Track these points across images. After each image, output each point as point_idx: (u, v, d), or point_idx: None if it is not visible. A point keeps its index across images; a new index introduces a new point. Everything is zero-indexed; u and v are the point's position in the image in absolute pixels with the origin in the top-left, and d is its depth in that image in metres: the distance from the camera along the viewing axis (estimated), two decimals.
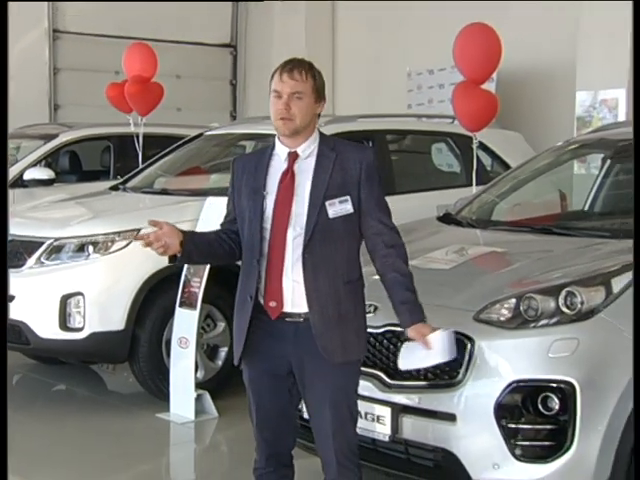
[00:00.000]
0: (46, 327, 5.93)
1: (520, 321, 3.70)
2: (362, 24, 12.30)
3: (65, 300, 5.87)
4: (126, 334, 5.90)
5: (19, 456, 5.14)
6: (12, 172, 8.77)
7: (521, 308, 3.72)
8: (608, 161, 5.70)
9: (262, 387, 3.36)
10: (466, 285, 4.07)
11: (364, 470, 3.99)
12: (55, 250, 6.05)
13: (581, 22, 9.30)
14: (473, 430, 3.63)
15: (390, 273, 3.30)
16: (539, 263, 4.19)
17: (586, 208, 5.62)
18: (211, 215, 5.75)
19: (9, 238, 6.34)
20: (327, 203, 3.22)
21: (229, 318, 6.08)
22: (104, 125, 9.48)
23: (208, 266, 5.60)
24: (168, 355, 5.90)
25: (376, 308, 3.78)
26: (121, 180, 7.64)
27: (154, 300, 5.97)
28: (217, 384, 6.04)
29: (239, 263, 3.42)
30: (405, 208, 6.48)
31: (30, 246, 6.14)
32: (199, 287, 5.65)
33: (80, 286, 5.88)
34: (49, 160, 9.06)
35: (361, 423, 3.80)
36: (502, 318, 3.73)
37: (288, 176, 3.26)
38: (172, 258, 3.27)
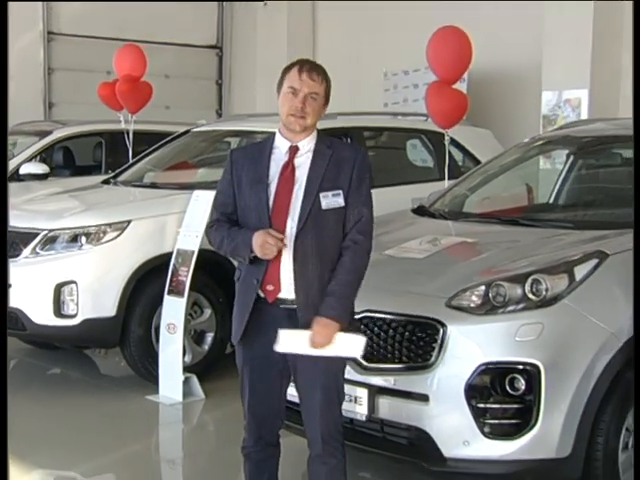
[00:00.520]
0: (41, 314, 5.91)
1: (489, 307, 3.72)
2: (341, 27, 12.30)
3: (59, 288, 5.86)
4: (117, 320, 5.89)
5: (16, 437, 5.09)
6: (9, 167, 8.74)
7: (490, 295, 3.73)
8: (572, 157, 5.72)
9: (256, 370, 3.35)
10: (439, 273, 4.08)
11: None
12: (50, 241, 6.02)
13: (546, 26, 9.33)
14: (445, 410, 3.65)
15: (340, 263, 3.25)
16: (507, 252, 4.21)
17: (551, 201, 5.64)
18: (198, 207, 5.75)
19: None
20: (321, 195, 3.23)
21: (215, 305, 6.10)
22: (96, 122, 9.44)
23: (195, 256, 5.60)
24: (157, 340, 5.89)
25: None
26: (112, 174, 7.61)
27: (144, 288, 5.95)
28: (204, 368, 6.03)
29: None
30: (381, 201, 6.46)
31: (26, 237, 6.11)
32: (186, 276, 5.64)
33: (73, 275, 5.86)
34: (44, 155, 9.02)
35: None
36: (472, 304, 3.74)
37: (289, 168, 3.27)
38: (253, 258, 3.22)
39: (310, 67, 3.26)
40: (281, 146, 3.32)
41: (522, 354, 3.59)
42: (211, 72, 14.02)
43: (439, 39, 6.42)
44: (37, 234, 6.07)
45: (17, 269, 6.05)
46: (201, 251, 5.59)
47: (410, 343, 3.75)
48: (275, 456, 3.49)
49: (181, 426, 5.57)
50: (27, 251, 6.06)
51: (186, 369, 5.77)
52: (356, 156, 3.34)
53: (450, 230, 4.82)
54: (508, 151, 5.88)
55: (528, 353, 3.58)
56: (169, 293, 5.74)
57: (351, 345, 3.28)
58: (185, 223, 5.79)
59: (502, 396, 3.60)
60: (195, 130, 7.70)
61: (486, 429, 3.59)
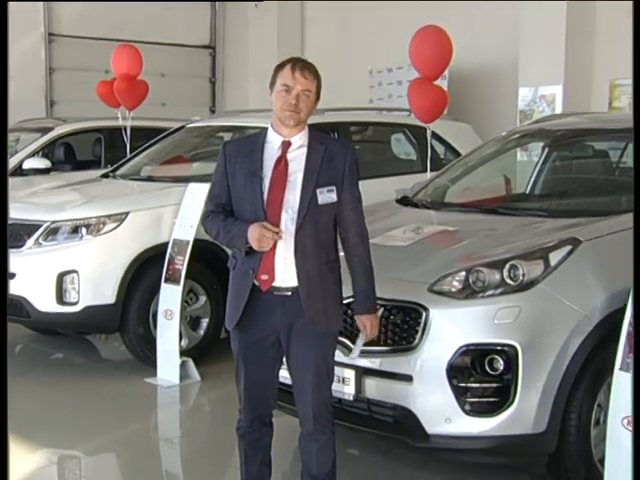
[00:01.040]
0: (44, 301, 5.89)
1: (469, 292, 3.72)
2: (329, 27, 12.28)
3: (61, 277, 5.84)
4: (117, 307, 5.88)
5: (21, 418, 5.11)
6: (12, 162, 8.69)
7: (470, 280, 3.73)
8: (547, 149, 5.72)
9: (251, 355, 3.33)
10: (421, 260, 4.09)
11: None
12: (52, 232, 6.00)
13: (523, 27, 9.35)
14: (428, 389, 3.65)
15: (356, 262, 3.34)
16: (486, 240, 4.20)
17: (527, 191, 5.64)
18: (193, 199, 5.75)
19: (10, 222, 6.30)
20: (318, 191, 3.20)
21: (210, 292, 6.09)
22: (95, 119, 9.40)
23: (190, 245, 5.59)
24: (155, 326, 5.89)
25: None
26: (111, 168, 7.59)
27: (142, 276, 5.94)
28: (199, 352, 6.03)
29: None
30: (367, 192, 6.45)
31: (29, 228, 6.10)
32: (182, 264, 5.63)
33: (75, 264, 5.85)
34: (46, 151, 8.98)
35: None
36: (453, 289, 3.75)
37: (282, 163, 3.23)
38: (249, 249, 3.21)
39: (303, 65, 3.24)
40: (273, 141, 3.28)
41: (500, 336, 3.60)
42: (205, 71, 14.00)
43: (421, 38, 6.42)
44: (40, 225, 6.05)
45: (21, 259, 6.04)
46: (196, 241, 5.59)
47: (395, 326, 3.75)
48: (268, 435, 3.50)
49: (178, 407, 5.57)
50: (30, 242, 6.04)
51: (183, 353, 5.77)
52: (347, 152, 3.33)
53: (432, 219, 4.82)
54: (487, 144, 5.88)
55: (506, 335, 3.59)
56: (166, 281, 5.73)
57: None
58: (181, 214, 5.78)
59: (482, 376, 3.61)
60: (189, 126, 7.68)
61: (467, 407, 3.60)
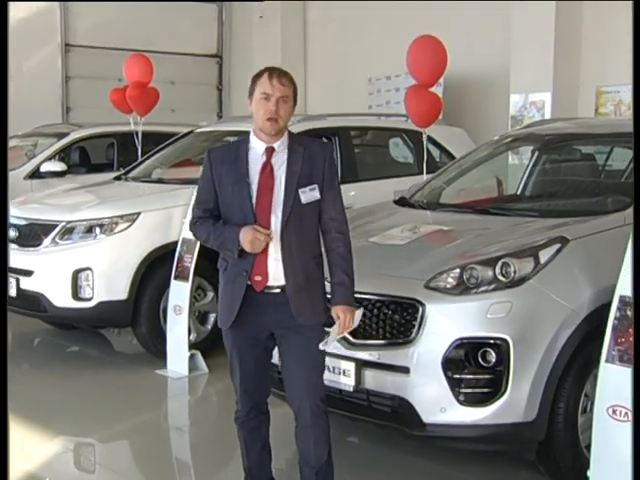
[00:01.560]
0: (61, 297, 5.90)
1: (463, 288, 3.72)
2: (329, 37, 12.26)
3: (76, 274, 5.85)
4: (129, 303, 5.88)
5: (39, 406, 5.13)
6: (30, 165, 8.74)
7: (464, 277, 3.73)
8: (536, 153, 5.72)
9: (245, 350, 3.32)
10: (418, 258, 4.08)
11: (332, 416, 4.01)
12: (67, 231, 6.01)
13: (514, 37, 9.36)
14: (424, 380, 3.65)
15: (335, 256, 3.30)
16: (479, 239, 4.20)
17: (518, 192, 5.64)
18: None
19: (28, 222, 6.32)
20: (300, 191, 3.19)
21: (217, 288, 6.07)
22: (108, 124, 9.43)
23: (198, 245, 5.58)
24: (165, 321, 5.89)
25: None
26: (123, 171, 7.59)
27: (152, 274, 5.94)
28: (207, 345, 6.03)
29: None
30: (367, 193, 6.51)
31: (46, 228, 6.11)
32: (191, 262, 5.63)
33: (89, 262, 5.85)
34: (62, 155, 9.00)
35: (330, 376, 3.82)
36: (448, 285, 3.74)
37: (267, 168, 3.21)
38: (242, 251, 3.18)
39: (279, 73, 3.22)
40: (257, 147, 3.25)
41: (493, 330, 3.59)
42: (212, 78, 14.00)
43: (418, 47, 6.41)
44: (56, 225, 6.05)
45: (39, 257, 6.06)
46: None
47: (393, 321, 3.75)
48: (266, 423, 3.50)
49: (187, 397, 5.57)
50: (47, 241, 6.05)
51: (191, 346, 5.77)
52: (325, 151, 3.32)
53: (428, 219, 4.82)
54: (480, 148, 5.88)
55: (498, 329, 3.59)
56: (175, 278, 5.73)
57: (356, 317, 3.36)
58: (189, 215, 5.76)
59: (475, 367, 3.61)
60: (198, 131, 7.68)
61: (461, 397, 3.60)
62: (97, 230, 5.95)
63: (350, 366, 3.81)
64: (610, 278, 3.60)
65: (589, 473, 3.53)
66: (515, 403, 3.58)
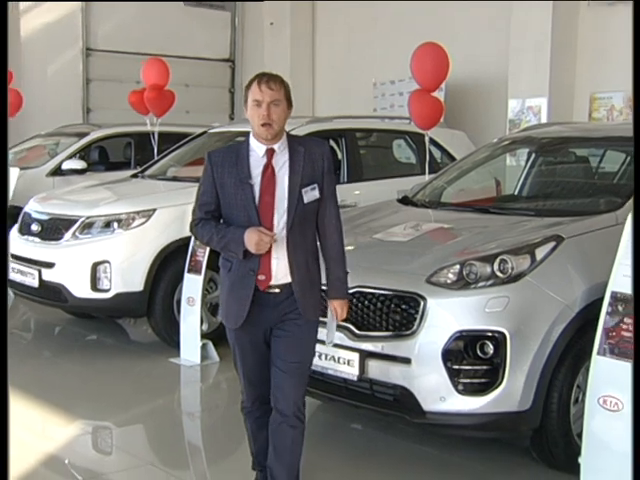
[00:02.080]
0: (80, 288, 5.90)
1: (463, 283, 3.71)
2: (337, 42, 12.25)
3: (95, 267, 5.84)
4: (144, 294, 5.88)
5: (60, 391, 5.14)
6: (52, 163, 8.75)
7: (464, 272, 3.73)
8: (533, 155, 5.69)
9: (247, 346, 3.26)
10: (420, 254, 4.07)
11: (337, 404, 4.01)
12: (87, 226, 6.01)
13: (512, 45, 9.35)
14: (425, 371, 3.65)
15: (334, 252, 3.26)
16: (478, 236, 4.19)
17: (516, 192, 5.62)
18: None
19: (50, 217, 6.33)
20: (303, 191, 3.13)
21: None
22: (127, 125, 9.42)
23: None
24: (179, 311, 5.88)
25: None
26: (140, 169, 7.59)
27: (167, 267, 5.93)
28: (218, 335, 6.00)
29: None
30: (371, 192, 6.51)
31: (67, 223, 6.11)
32: (203, 256, 5.63)
33: (107, 255, 5.85)
34: (82, 153, 9.00)
35: (335, 366, 3.83)
36: (448, 281, 3.73)
37: (269, 170, 3.13)
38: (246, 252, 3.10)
39: (267, 78, 3.14)
40: (257, 149, 3.17)
41: (491, 323, 3.59)
42: (225, 82, 14.00)
43: (421, 54, 6.40)
44: (76, 220, 6.06)
45: (60, 250, 6.06)
46: None
47: (395, 314, 3.74)
48: (269, 411, 3.39)
49: (199, 385, 5.57)
50: (68, 235, 6.05)
51: (203, 336, 5.77)
52: (324, 150, 3.24)
53: (430, 217, 4.80)
54: (479, 150, 5.86)
55: (496, 322, 3.58)
56: (189, 271, 5.73)
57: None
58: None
59: (473, 359, 3.60)
60: (211, 131, 7.67)
61: (460, 387, 3.59)
62: (115, 225, 5.95)
63: (354, 356, 3.80)
64: (602, 275, 3.59)
65: (580, 460, 3.53)
66: (511, 393, 3.58)
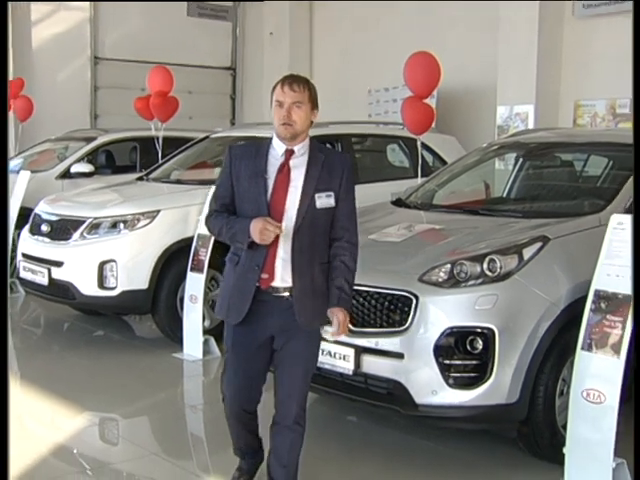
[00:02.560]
0: (87, 286, 5.88)
1: (453, 282, 3.71)
2: (333, 52, 12.24)
3: (102, 265, 5.83)
4: (149, 292, 5.87)
5: (68, 384, 5.13)
6: (61, 167, 8.71)
7: (454, 272, 3.72)
8: (520, 159, 5.69)
9: (246, 350, 3.12)
10: (413, 254, 4.06)
11: (333, 397, 4.01)
12: (94, 227, 6.00)
13: (500, 54, 9.37)
14: (417, 365, 3.64)
15: (340, 263, 3.10)
16: (468, 237, 4.18)
17: (504, 195, 5.61)
18: None
19: (59, 218, 6.32)
20: (316, 195, 3.02)
21: None
22: (132, 130, 9.39)
23: (212, 240, 5.58)
24: (182, 308, 5.87)
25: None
26: (145, 172, 7.57)
27: (170, 266, 5.92)
28: (220, 331, 5.95)
29: None
30: (366, 194, 6.44)
31: (75, 223, 6.10)
32: (205, 256, 5.62)
33: (113, 254, 5.84)
34: (90, 157, 8.95)
35: (331, 361, 3.83)
36: (440, 279, 3.73)
37: (285, 168, 3.04)
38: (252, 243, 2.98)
39: (291, 80, 3.04)
40: (278, 148, 3.09)
41: (480, 320, 3.59)
42: (226, 89, 13.97)
43: (414, 62, 6.40)
44: (84, 221, 6.04)
45: (68, 250, 6.05)
46: None
47: (389, 311, 3.74)
48: (255, 420, 3.31)
49: (201, 378, 5.56)
50: (76, 235, 6.04)
51: (205, 332, 5.76)
52: (344, 162, 3.14)
53: (422, 219, 4.80)
54: (469, 154, 5.86)
55: (485, 319, 3.58)
56: (191, 270, 5.72)
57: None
58: (204, 212, 5.75)
59: (464, 354, 3.60)
60: (213, 136, 7.66)
61: (450, 381, 3.59)
62: (121, 226, 5.94)
63: (350, 352, 3.80)
64: (586, 274, 3.60)
65: (565, 450, 3.54)
66: (499, 386, 3.57)
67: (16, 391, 5.14)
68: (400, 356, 3.66)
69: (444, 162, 7.24)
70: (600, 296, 3.49)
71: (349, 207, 3.13)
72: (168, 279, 5.93)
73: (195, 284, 5.68)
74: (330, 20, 12.32)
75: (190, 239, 5.80)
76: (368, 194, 6.25)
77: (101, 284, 5.84)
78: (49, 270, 6.08)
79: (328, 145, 6.70)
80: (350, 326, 3.72)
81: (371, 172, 7.49)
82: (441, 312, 3.64)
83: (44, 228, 6.32)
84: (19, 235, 6.82)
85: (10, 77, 10.85)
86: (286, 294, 3.05)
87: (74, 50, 12.29)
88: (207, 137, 7.66)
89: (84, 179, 8.36)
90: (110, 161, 9.25)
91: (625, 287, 3.44)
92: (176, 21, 12.87)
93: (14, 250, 7.10)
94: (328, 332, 3.17)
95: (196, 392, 5.43)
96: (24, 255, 6.47)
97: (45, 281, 6.12)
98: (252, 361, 3.15)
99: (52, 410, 4.71)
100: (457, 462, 3.95)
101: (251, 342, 3.12)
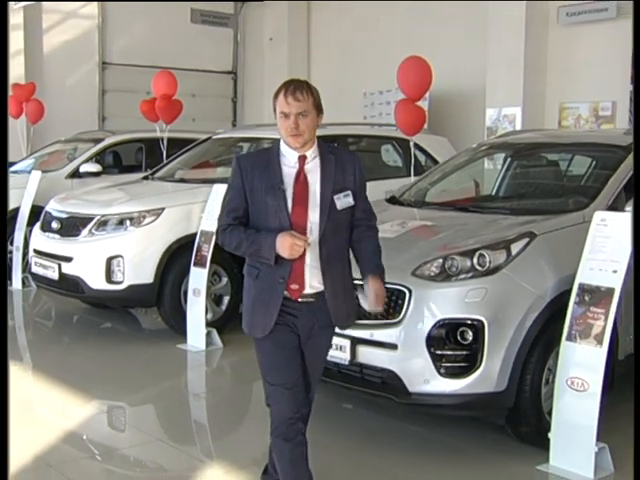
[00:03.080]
0: (96, 280, 5.87)
1: (445, 276, 3.71)
2: (330, 57, 12.22)
3: (109, 261, 5.82)
4: (154, 286, 5.85)
5: (78, 374, 5.12)
6: (71, 166, 8.69)
7: (446, 266, 3.72)
8: (509, 159, 5.68)
9: (280, 356, 2.87)
10: (406, 249, 4.05)
11: (330, 386, 4.00)
12: (102, 224, 5.99)
13: (489, 59, 9.37)
14: (410, 355, 3.64)
15: (368, 244, 2.99)
16: (459, 233, 4.17)
17: (493, 193, 5.61)
18: (217, 197, 5.71)
19: (68, 215, 6.30)
20: (335, 197, 2.84)
21: (230, 274, 6.05)
22: (138, 131, 9.37)
23: (215, 236, 5.54)
24: (185, 302, 5.85)
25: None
26: (150, 172, 7.56)
27: (175, 261, 5.90)
28: (222, 323, 6.01)
29: None
30: None
31: (84, 221, 6.09)
32: (208, 251, 5.60)
33: (120, 250, 5.82)
34: (98, 157, 8.93)
35: None
36: (432, 273, 3.73)
37: (301, 176, 2.83)
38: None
39: (294, 88, 2.80)
40: (289, 155, 2.86)
41: (470, 312, 3.58)
42: (228, 92, 13.95)
43: (407, 66, 6.38)
44: (92, 218, 6.03)
45: (77, 246, 6.04)
46: None
47: (384, 304, 3.72)
48: (304, 430, 2.93)
49: (204, 368, 5.55)
50: (85, 232, 6.02)
51: (208, 324, 5.74)
52: (354, 159, 2.98)
53: (415, 215, 4.79)
54: (460, 154, 5.85)
55: (475, 311, 3.58)
56: (194, 265, 5.70)
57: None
58: (207, 210, 5.75)
59: (454, 345, 3.60)
60: (215, 137, 7.65)
61: (442, 370, 3.59)
62: (127, 223, 5.92)
63: (346, 342, 3.79)
64: (571, 268, 3.60)
65: (550, 435, 3.55)
66: (488, 375, 3.57)
67: (28, 381, 5.14)
68: (394, 347, 3.65)
69: (436, 162, 7.22)
70: (584, 289, 3.49)
71: (365, 201, 2.99)
72: (172, 274, 5.91)
73: (198, 278, 5.67)
74: (327, 26, 12.31)
75: (193, 235, 5.79)
76: None
77: (109, 278, 5.83)
78: (59, 265, 6.07)
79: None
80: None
81: (366, 171, 7.44)
82: (433, 305, 3.63)
83: (54, 225, 6.31)
84: (31, 232, 6.81)
85: (22, 82, 10.86)
86: (312, 299, 2.87)
87: (83, 56, 12.29)
88: (209, 138, 7.65)
89: (92, 178, 8.34)
90: (117, 161, 9.23)
91: (607, 280, 3.44)
92: (180, 28, 12.85)
93: (26, 246, 7.09)
94: (365, 304, 2.95)
95: (199, 381, 5.42)
96: (35, 251, 6.46)
97: (55, 276, 6.11)
98: (290, 358, 2.88)
99: (62, 398, 4.71)
100: (448, 448, 3.95)
101: (285, 346, 2.87)
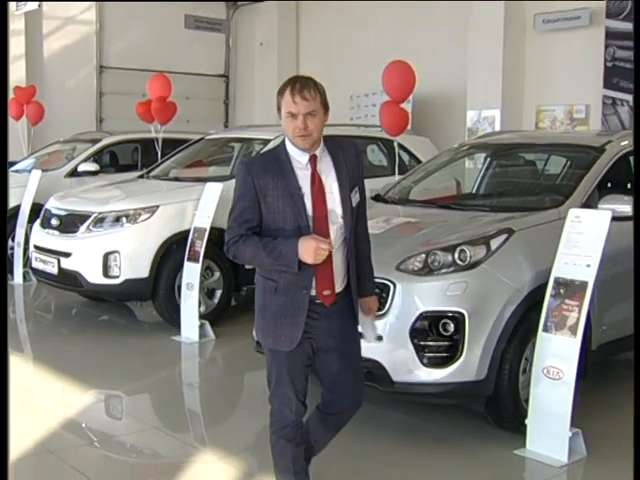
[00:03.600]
0: (93, 275, 5.83)
1: (427, 270, 3.70)
2: (318, 61, 12.20)
3: (106, 256, 5.78)
4: (149, 280, 5.82)
5: (76, 364, 5.09)
6: (70, 166, 8.63)
7: (428, 261, 3.71)
8: (488, 158, 5.69)
9: (298, 367, 2.69)
10: (390, 245, 4.04)
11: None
12: (99, 221, 5.95)
13: (469, 63, 9.39)
14: (394, 346, 3.63)
15: (364, 249, 2.83)
16: (441, 229, 4.16)
17: (473, 191, 5.61)
18: (210, 196, 5.70)
19: (67, 212, 6.26)
20: (351, 195, 2.66)
21: (222, 269, 6.03)
22: (134, 132, 9.32)
23: (208, 231, 5.55)
24: (179, 295, 5.83)
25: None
26: (146, 171, 7.52)
27: (169, 256, 5.87)
28: (214, 316, 5.98)
29: None
30: None
31: (82, 218, 6.04)
32: (201, 247, 5.58)
33: (117, 246, 5.79)
34: (95, 157, 8.87)
35: None
36: (415, 268, 3.72)
37: (317, 178, 2.59)
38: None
39: (301, 86, 2.55)
40: (298, 157, 2.61)
41: (452, 305, 3.58)
42: (220, 94, 13.91)
43: (391, 70, 6.37)
44: (90, 215, 5.99)
45: (76, 242, 6.00)
46: (212, 228, 5.54)
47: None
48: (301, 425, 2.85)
49: (198, 359, 5.53)
50: (83, 228, 5.98)
51: (201, 317, 5.72)
52: (356, 150, 2.76)
53: (399, 213, 4.78)
54: (442, 154, 5.85)
55: (456, 304, 3.57)
56: (188, 260, 5.68)
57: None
58: (200, 207, 5.73)
59: (437, 336, 3.60)
60: (208, 137, 7.62)
61: (425, 360, 3.59)
62: (124, 220, 5.89)
63: None
64: (547, 263, 3.61)
65: (527, 421, 3.56)
66: (469, 365, 3.57)
67: (29, 371, 5.10)
68: (379, 338, 3.64)
69: (419, 161, 7.22)
70: (559, 283, 3.50)
71: (364, 195, 2.79)
72: (167, 268, 5.88)
73: (191, 273, 5.64)
74: (315, 32, 12.30)
75: (187, 232, 5.76)
76: None
77: (106, 273, 5.79)
78: (58, 260, 6.03)
79: None
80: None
81: None
82: (416, 298, 3.62)
83: (54, 222, 6.26)
84: (31, 228, 6.77)
85: (23, 85, 10.79)
86: (340, 297, 2.69)
87: (81, 60, 12.24)
88: (202, 138, 7.61)
89: (90, 177, 8.29)
90: (114, 161, 9.18)
91: (581, 274, 3.45)
92: (174, 33, 12.82)
93: (27, 242, 7.04)
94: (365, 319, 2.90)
95: (193, 371, 5.40)
96: (36, 247, 6.41)
97: (55, 270, 6.07)
98: (304, 370, 2.74)
99: (62, 388, 4.68)
100: (430, 434, 3.94)
101: (302, 356, 2.69)
